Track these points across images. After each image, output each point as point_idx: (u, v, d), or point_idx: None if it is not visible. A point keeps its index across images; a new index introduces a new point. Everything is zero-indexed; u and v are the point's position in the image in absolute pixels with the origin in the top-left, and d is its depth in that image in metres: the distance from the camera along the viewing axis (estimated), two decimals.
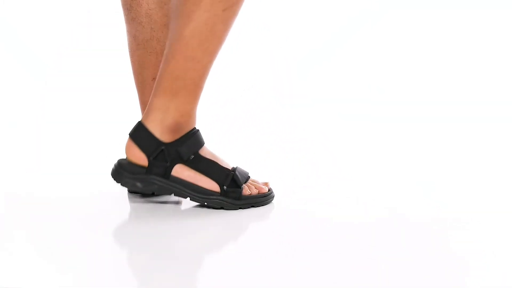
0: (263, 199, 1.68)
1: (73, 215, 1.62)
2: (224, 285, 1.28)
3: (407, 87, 3.01)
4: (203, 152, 1.66)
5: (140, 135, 1.64)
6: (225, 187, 1.64)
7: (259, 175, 1.78)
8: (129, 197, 1.73)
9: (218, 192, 1.64)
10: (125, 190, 1.75)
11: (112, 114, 2.66)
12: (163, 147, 1.63)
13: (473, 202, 1.77)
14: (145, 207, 1.67)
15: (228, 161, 1.70)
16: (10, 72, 2.96)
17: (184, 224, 1.58)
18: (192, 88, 1.62)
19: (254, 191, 1.67)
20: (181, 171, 1.64)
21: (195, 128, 1.66)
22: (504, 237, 1.52)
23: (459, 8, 3.19)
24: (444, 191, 1.85)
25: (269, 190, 1.70)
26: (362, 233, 1.54)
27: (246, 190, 1.66)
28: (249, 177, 1.70)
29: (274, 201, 1.71)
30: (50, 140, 2.39)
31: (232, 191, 1.65)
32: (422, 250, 1.44)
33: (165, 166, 1.63)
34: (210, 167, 1.65)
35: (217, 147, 2.16)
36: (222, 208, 1.65)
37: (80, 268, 1.34)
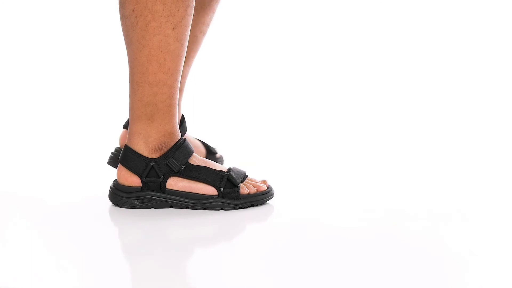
0: (262, 197, 1.68)
1: (73, 215, 1.62)
2: (219, 283, 1.28)
3: (401, 86, 3.01)
4: (193, 160, 1.67)
5: (129, 157, 1.65)
6: (222, 189, 1.64)
7: (256, 175, 1.78)
8: None
9: (216, 195, 1.64)
10: None
11: (112, 114, 2.66)
12: (152, 164, 1.64)
13: (473, 202, 1.77)
14: (142, 210, 1.67)
15: (221, 163, 1.70)
16: (10, 72, 2.96)
17: (183, 223, 1.58)
18: (166, 109, 1.63)
19: (253, 190, 1.67)
20: (174, 183, 1.65)
21: (181, 139, 1.66)
22: (504, 237, 1.52)
23: (450, 7, 3.19)
24: (444, 191, 1.85)
25: (268, 188, 1.70)
26: (361, 233, 1.54)
27: (244, 189, 1.66)
28: (246, 176, 1.70)
29: (273, 201, 1.71)
30: (50, 140, 2.39)
31: (229, 192, 1.65)
32: (422, 250, 1.44)
33: (158, 181, 1.64)
34: (203, 173, 1.65)
35: (214, 147, 2.16)
36: (222, 209, 1.65)
37: (80, 268, 1.35)
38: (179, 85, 1.64)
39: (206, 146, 2.00)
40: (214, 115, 2.75)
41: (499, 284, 1.28)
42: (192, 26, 1.81)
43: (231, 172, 1.66)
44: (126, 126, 1.89)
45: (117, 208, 1.66)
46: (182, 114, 1.88)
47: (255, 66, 3.16)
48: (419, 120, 2.69)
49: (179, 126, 1.84)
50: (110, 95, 2.84)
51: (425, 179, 1.97)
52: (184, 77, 1.89)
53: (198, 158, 1.68)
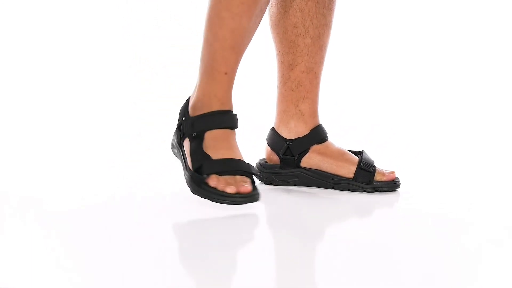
0: (216, 196, 1.61)
1: (73, 215, 1.62)
2: (213, 283, 1.28)
3: (399, 86, 3.00)
4: (212, 134, 1.67)
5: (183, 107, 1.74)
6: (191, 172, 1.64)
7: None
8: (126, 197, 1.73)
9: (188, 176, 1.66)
10: (123, 190, 1.75)
11: (113, 114, 2.66)
12: (183, 118, 1.70)
13: (475, 201, 1.77)
14: (142, 210, 1.67)
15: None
16: (12, 72, 2.96)
17: (181, 224, 1.58)
18: (209, 70, 1.67)
19: (220, 187, 1.62)
20: (185, 144, 1.69)
21: (221, 110, 1.67)
22: (505, 237, 1.52)
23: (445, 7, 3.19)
24: (447, 191, 1.85)
25: (237, 193, 1.61)
26: (361, 233, 1.54)
27: (212, 180, 1.62)
28: (253, 171, 1.66)
29: (272, 201, 1.71)
30: (50, 140, 2.39)
31: (191, 176, 1.64)
32: (424, 250, 1.44)
33: (179, 137, 1.70)
34: (193, 150, 1.66)
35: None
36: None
37: (80, 268, 1.34)
38: (225, 57, 1.67)
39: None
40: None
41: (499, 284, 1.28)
42: (284, 32, 1.82)
43: (205, 164, 1.65)
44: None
45: (115, 210, 1.65)
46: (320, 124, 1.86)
47: (255, 65, 3.15)
48: (420, 118, 2.69)
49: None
50: (113, 94, 2.84)
51: (426, 178, 1.96)
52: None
53: (218, 135, 1.68)
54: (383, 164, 1.86)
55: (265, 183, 1.84)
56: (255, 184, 1.64)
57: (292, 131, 1.83)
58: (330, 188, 1.81)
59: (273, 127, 1.86)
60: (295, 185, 1.83)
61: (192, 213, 1.63)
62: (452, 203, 1.74)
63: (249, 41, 1.70)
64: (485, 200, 1.78)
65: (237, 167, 1.63)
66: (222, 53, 1.66)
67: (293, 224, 1.60)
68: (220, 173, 1.62)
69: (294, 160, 1.82)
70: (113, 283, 1.27)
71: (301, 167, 1.82)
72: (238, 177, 1.63)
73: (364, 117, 2.73)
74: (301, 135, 1.82)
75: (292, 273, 1.32)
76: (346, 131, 2.31)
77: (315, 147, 1.82)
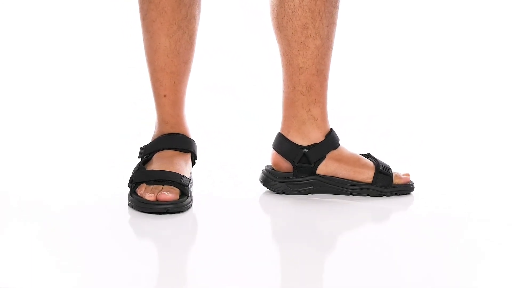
0: (137, 203, 1.63)
1: (75, 217, 1.62)
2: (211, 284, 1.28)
3: (392, 83, 3.00)
4: (159, 154, 1.69)
5: None
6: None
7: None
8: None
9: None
10: (123, 190, 1.75)
11: (113, 114, 2.66)
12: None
13: (477, 201, 1.77)
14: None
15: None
16: (10, 72, 2.96)
17: (176, 224, 1.58)
18: (153, 94, 1.74)
19: (142, 194, 1.63)
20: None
21: (170, 133, 1.71)
22: (506, 237, 1.52)
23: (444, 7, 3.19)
24: (449, 191, 1.85)
25: (156, 200, 1.61)
26: (361, 233, 1.54)
27: (140, 189, 1.64)
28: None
29: (270, 201, 1.71)
30: (50, 140, 2.38)
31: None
32: (426, 250, 1.44)
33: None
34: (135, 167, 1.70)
35: (219, 145, 2.16)
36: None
37: (81, 268, 1.34)
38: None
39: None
40: (216, 114, 2.75)
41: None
42: (293, 34, 1.74)
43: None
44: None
45: (118, 209, 1.65)
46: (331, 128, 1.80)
47: (257, 64, 3.15)
48: (420, 116, 2.69)
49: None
50: (113, 94, 2.84)
51: (427, 178, 1.97)
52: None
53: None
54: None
55: (277, 193, 1.77)
56: (188, 197, 1.63)
57: (306, 138, 1.75)
58: (348, 195, 1.75)
59: (280, 133, 1.78)
60: (309, 193, 1.76)
61: (193, 214, 1.63)
62: (472, 206, 1.73)
63: (184, 62, 1.69)
64: (505, 203, 1.77)
65: (162, 176, 1.63)
66: (155, 76, 1.69)
67: (312, 233, 1.58)
68: (148, 182, 1.63)
69: (310, 168, 1.75)
70: (114, 283, 1.27)
71: (316, 174, 1.76)
72: (165, 186, 1.62)
73: (358, 115, 2.72)
74: (317, 141, 1.75)
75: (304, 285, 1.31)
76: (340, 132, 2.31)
77: (331, 153, 1.76)
